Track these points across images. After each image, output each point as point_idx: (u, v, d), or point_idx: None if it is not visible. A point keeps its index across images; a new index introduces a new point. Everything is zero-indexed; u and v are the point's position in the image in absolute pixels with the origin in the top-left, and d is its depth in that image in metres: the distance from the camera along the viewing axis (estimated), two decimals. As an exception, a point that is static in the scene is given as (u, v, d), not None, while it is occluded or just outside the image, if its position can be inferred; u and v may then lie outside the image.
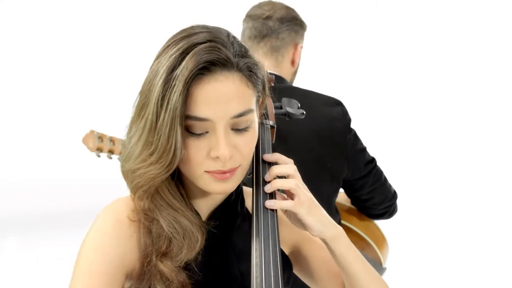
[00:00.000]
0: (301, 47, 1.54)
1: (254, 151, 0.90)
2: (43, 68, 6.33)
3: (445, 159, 6.08)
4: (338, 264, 0.94)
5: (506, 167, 5.81)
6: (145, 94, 0.85)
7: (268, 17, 1.52)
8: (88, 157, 5.29)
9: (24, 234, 4.82)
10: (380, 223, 1.73)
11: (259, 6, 1.59)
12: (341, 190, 1.56)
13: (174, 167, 0.84)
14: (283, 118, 1.04)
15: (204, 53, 0.82)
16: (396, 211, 1.60)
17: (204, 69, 0.82)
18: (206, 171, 0.85)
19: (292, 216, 0.93)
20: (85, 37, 6.48)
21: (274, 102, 1.03)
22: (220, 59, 0.83)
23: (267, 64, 1.50)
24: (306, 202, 0.89)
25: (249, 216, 0.96)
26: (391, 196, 1.56)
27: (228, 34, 0.89)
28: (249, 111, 0.85)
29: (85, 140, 1.83)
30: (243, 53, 0.87)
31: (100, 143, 1.81)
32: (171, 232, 0.85)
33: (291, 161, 0.93)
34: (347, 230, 1.49)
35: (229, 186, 0.88)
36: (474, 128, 6.21)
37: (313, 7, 6.47)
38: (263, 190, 0.90)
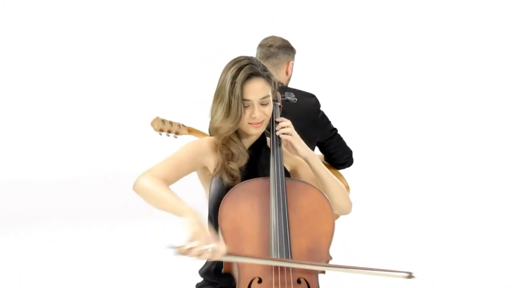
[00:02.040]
0: (292, 63, 2.50)
1: (270, 117, 1.79)
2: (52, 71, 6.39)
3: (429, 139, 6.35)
4: (315, 174, 1.79)
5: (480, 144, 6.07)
6: (222, 92, 1.71)
7: (270, 46, 2.49)
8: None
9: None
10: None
11: (266, 39, 2.53)
12: (318, 152, 2.56)
13: (239, 124, 1.71)
14: (285, 102, 1.96)
15: (248, 70, 1.69)
16: (352, 163, 2.56)
17: (248, 77, 1.69)
18: (249, 123, 1.73)
19: (289, 146, 1.77)
20: (86, 39, 6.54)
21: (281, 94, 1.95)
22: (256, 72, 1.71)
23: None
24: (297, 138, 1.76)
25: (268, 149, 1.83)
26: (349, 151, 2.52)
27: (257, 60, 1.75)
28: (268, 96, 1.73)
29: (152, 123, 2.51)
30: (265, 69, 1.74)
31: (162, 125, 2.50)
32: (236, 152, 1.75)
33: (289, 121, 1.80)
34: None
35: (260, 130, 1.75)
36: (460, 115, 6.45)
37: (311, 6, 6.53)
38: (276, 134, 1.79)
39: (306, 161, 1.76)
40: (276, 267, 1.57)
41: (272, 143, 1.76)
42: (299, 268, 1.58)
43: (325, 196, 1.69)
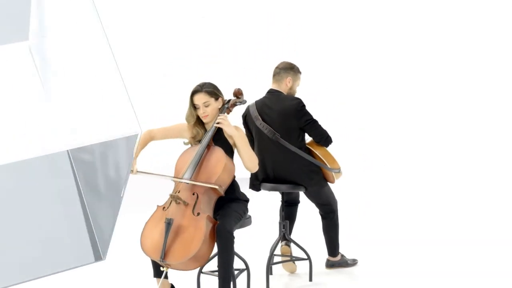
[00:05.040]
0: (290, 79, 3.53)
1: (216, 114, 3.02)
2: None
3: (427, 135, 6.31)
4: (236, 145, 2.99)
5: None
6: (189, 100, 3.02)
7: (277, 67, 3.53)
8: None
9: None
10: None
11: (278, 64, 3.60)
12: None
13: (195, 119, 3.00)
14: (240, 103, 3.13)
15: (194, 89, 3.00)
16: (329, 141, 3.50)
17: (193, 93, 3.00)
18: (202, 116, 2.99)
19: (223, 131, 2.99)
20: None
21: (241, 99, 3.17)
22: (197, 90, 2.99)
23: (276, 86, 3.52)
24: (226, 125, 2.96)
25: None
26: (323, 133, 3.49)
27: (208, 83, 3.02)
28: (207, 101, 2.97)
29: None
30: (207, 87, 3.00)
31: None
32: (198, 131, 3.01)
33: (224, 115, 3.02)
34: (310, 151, 3.47)
35: (208, 120, 3.00)
36: (459, 115, 6.42)
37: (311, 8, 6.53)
38: (214, 122, 3.01)
39: (232, 137, 2.97)
40: (185, 185, 2.88)
41: (211, 127, 2.97)
42: (196, 186, 2.88)
43: (226, 156, 2.93)
